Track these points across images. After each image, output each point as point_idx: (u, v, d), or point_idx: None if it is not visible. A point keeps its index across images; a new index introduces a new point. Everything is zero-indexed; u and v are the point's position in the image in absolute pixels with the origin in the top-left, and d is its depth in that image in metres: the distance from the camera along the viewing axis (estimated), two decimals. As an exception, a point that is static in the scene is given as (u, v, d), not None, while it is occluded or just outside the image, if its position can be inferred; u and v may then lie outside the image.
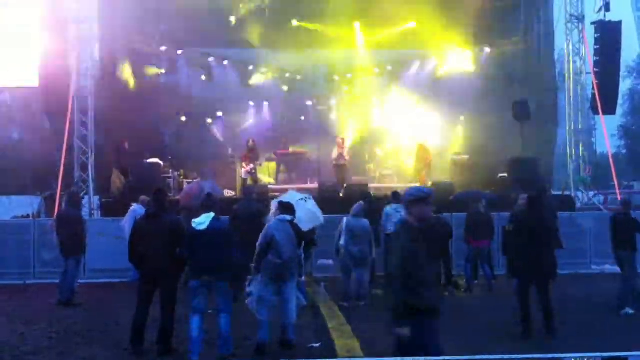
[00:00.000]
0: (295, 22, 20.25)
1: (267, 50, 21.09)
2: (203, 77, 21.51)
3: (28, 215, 15.48)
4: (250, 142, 18.91)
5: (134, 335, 7.61)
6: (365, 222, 10.61)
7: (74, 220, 10.95)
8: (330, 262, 12.66)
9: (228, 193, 17.00)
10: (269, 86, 21.93)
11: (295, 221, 8.11)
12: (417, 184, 18.01)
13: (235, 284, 9.51)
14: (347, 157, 18.43)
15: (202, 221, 7.42)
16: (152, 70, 20.00)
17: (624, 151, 43.07)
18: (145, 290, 7.71)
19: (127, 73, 18.44)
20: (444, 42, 20.28)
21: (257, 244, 7.74)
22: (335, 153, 18.45)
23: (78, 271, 11.10)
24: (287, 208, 7.97)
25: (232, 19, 19.78)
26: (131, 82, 18.47)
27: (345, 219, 10.66)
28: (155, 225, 7.65)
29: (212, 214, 7.48)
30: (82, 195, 15.25)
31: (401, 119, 21.42)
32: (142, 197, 12.20)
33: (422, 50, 21.39)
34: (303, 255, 8.28)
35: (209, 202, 7.71)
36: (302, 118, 22.28)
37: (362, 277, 10.57)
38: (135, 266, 7.96)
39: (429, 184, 17.36)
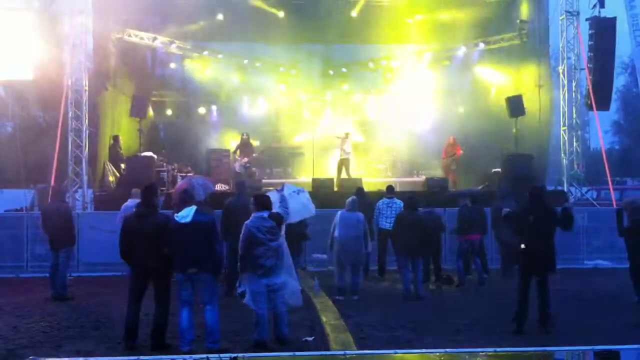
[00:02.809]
0: None
1: (263, 45, 21.07)
2: (198, 70, 21.47)
3: (21, 209, 15.43)
4: (245, 135, 18.95)
5: (127, 331, 7.60)
6: (360, 215, 10.61)
7: (60, 212, 10.85)
8: (325, 256, 12.68)
9: (221, 187, 16.97)
10: (264, 80, 21.88)
11: (289, 213, 8.10)
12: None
13: (228, 277, 9.48)
14: (348, 151, 18.48)
15: (185, 214, 7.43)
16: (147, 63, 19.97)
17: (617, 147, 43.19)
18: (137, 287, 7.69)
19: (120, 66, 18.39)
20: (439, 37, 20.30)
21: (240, 243, 7.62)
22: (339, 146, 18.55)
23: (68, 264, 11.03)
24: (262, 204, 7.77)
25: (220, 16, 19.69)
26: (125, 76, 18.42)
27: (339, 212, 10.67)
28: (145, 223, 7.60)
29: (194, 207, 7.49)
30: (75, 188, 15.24)
31: (395, 113, 21.43)
32: (134, 190, 12.14)
33: (418, 44, 21.40)
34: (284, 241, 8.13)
35: (186, 196, 7.78)
36: (297, 112, 22.24)
37: (356, 270, 10.58)
38: (126, 263, 7.92)
39: (423, 179, 17.42)
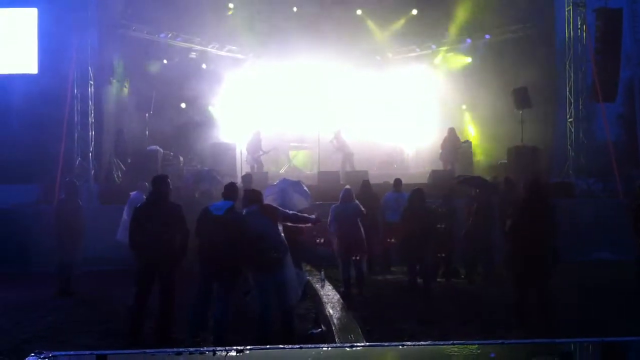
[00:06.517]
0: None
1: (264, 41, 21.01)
2: (203, 65, 21.42)
3: (27, 204, 15.43)
4: (256, 129, 18.96)
5: (133, 323, 7.58)
6: (354, 204, 10.46)
7: (72, 208, 10.89)
8: (329, 249, 12.62)
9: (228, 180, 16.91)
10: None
11: (297, 200, 8.04)
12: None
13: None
14: (347, 147, 18.52)
15: (220, 206, 7.42)
16: (152, 58, 19.93)
17: (621, 139, 42.90)
18: (144, 279, 7.66)
19: (125, 60, 18.38)
20: (444, 29, 20.21)
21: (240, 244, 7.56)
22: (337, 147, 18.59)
23: (76, 259, 11.05)
24: (252, 198, 7.59)
25: (231, 5, 19.75)
26: (130, 70, 18.41)
27: (333, 207, 10.57)
28: (155, 212, 7.58)
29: (231, 203, 7.48)
30: (81, 183, 15.22)
31: (400, 107, 21.35)
32: (140, 183, 12.18)
33: (422, 37, 21.30)
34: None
35: (227, 191, 7.66)
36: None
37: (359, 262, 10.49)
38: (136, 253, 7.84)
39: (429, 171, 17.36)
